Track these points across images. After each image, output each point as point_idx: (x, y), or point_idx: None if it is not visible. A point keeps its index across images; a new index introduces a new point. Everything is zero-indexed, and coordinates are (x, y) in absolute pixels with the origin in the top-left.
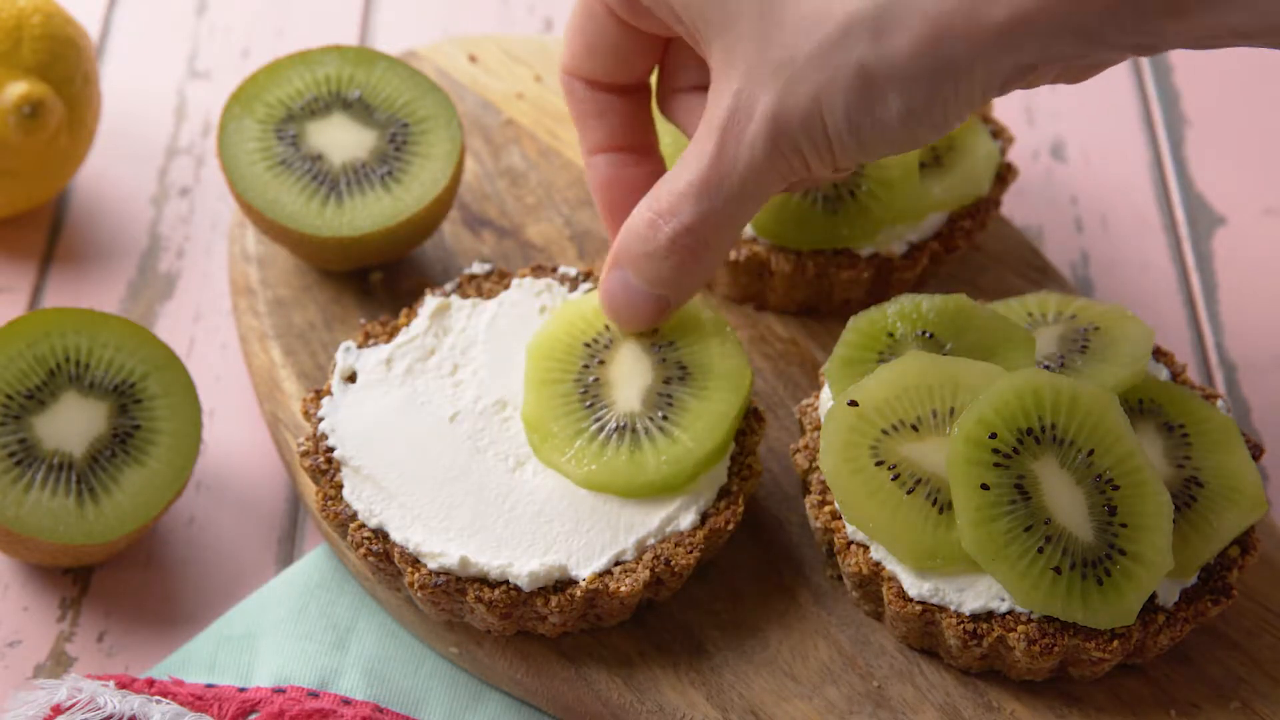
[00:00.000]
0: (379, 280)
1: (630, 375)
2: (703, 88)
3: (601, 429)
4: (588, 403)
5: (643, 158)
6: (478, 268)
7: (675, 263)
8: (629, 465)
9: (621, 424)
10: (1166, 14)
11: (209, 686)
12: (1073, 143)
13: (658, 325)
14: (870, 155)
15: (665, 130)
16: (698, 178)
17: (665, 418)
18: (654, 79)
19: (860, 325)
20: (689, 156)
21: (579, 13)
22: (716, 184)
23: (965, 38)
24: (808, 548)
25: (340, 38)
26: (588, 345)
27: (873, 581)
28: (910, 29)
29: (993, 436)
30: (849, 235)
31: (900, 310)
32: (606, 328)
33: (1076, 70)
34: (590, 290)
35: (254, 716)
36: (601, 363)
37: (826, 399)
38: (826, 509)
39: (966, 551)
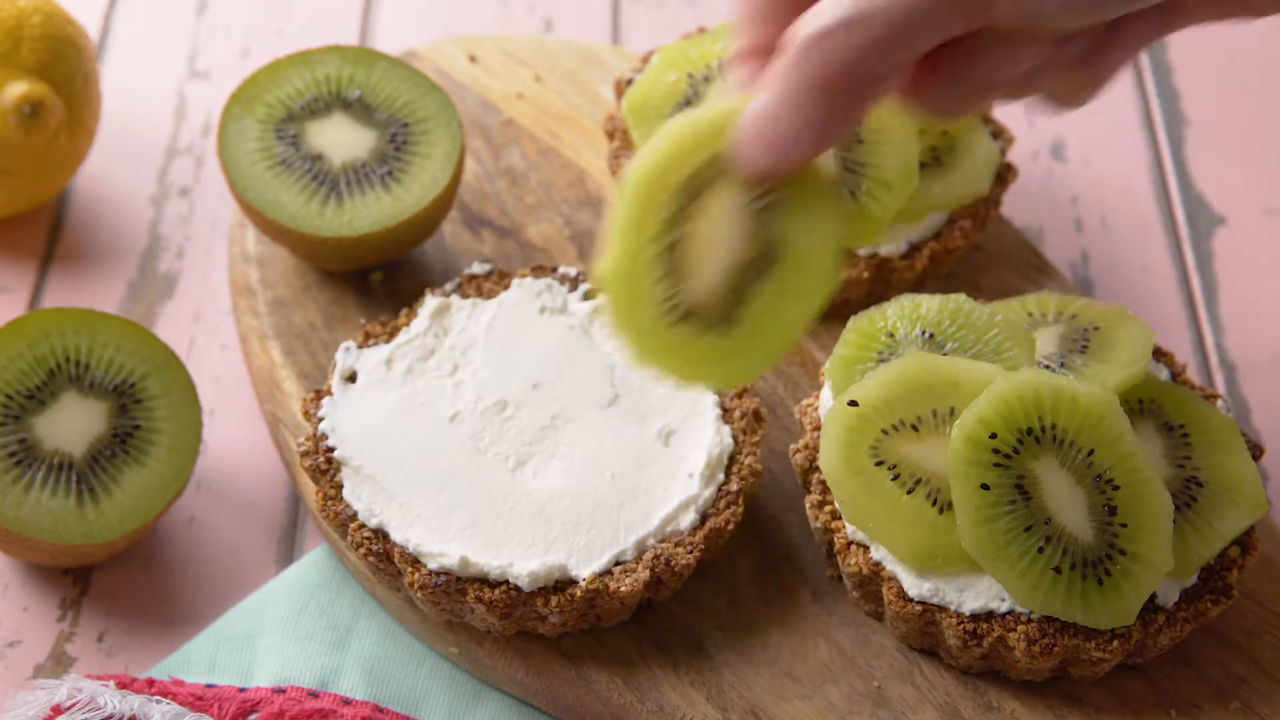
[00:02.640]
0: (379, 280)
1: (718, 243)
2: None
3: (674, 308)
4: (663, 270)
5: None
6: (478, 268)
7: (814, 70)
8: (692, 351)
9: (691, 311)
10: None
11: (209, 686)
12: (1073, 143)
13: (780, 172)
14: None
15: None
16: None
17: (738, 311)
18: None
19: (860, 325)
20: None
21: None
22: None
23: None
24: (808, 548)
25: (340, 38)
26: (686, 182)
27: (873, 581)
28: None
29: (993, 436)
30: (849, 235)
31: (900, 310)
32: (710, 163)
33: None
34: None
35: (254, 716)
36: (692, 217)
37: (826, 399)
38: (826, 509)
39: (966, 551)
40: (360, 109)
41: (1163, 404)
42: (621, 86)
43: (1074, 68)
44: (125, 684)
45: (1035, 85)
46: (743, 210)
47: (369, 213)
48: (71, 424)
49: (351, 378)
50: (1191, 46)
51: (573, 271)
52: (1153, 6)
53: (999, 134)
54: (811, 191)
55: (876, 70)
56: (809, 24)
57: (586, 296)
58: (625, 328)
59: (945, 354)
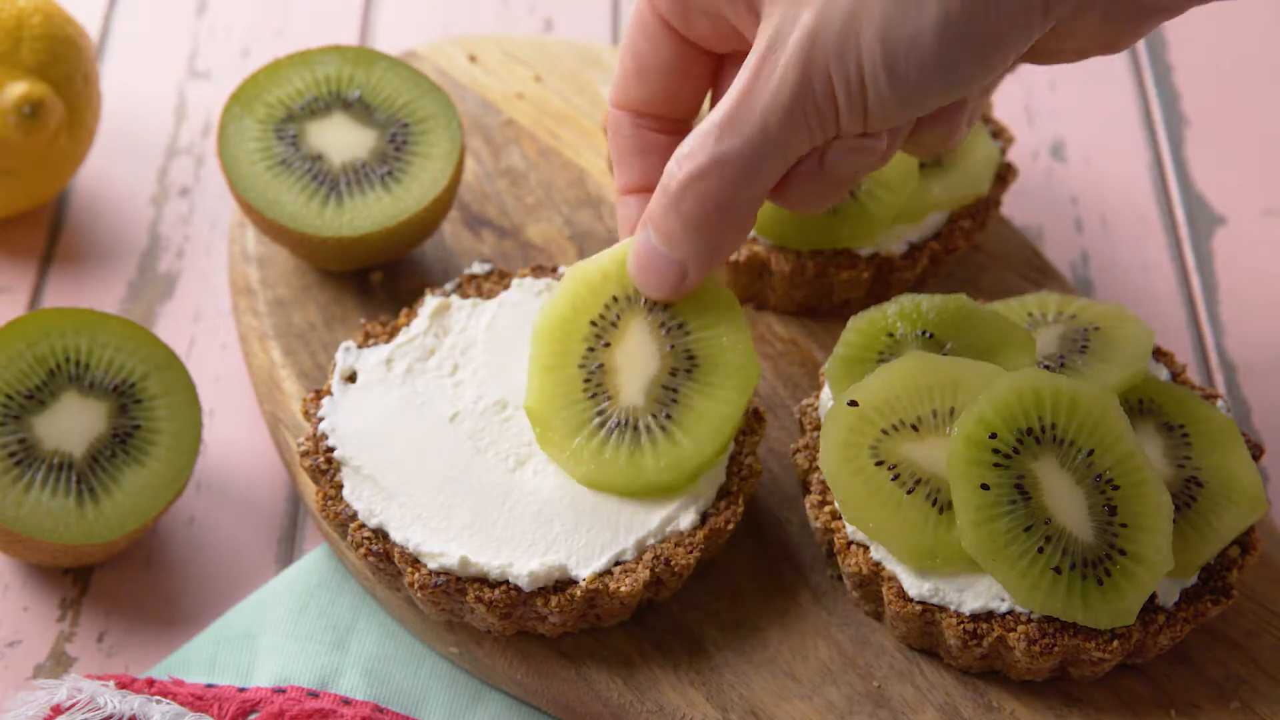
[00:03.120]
0: (379, 280)
1: (636, 363)
2: None
3: (603, 424)
4: (590, 393)
5: None
6: (478, 268)
7: (686, 214)
8: (627, 467)
9: (623, 420)
10: None
11: (209, 686)
12: (1073, 143)
13: (676, 297)
14: (905, 95)
15: None
16: (722, 115)
17: (669, 416)
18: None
19: (860, 325)
20: (721, 98)
21: (630, 33)
22: (739, 120)
23: None
24: (808, 548)
25: (340, 38)
26: (593, 324)
27: (873, 581)
28: None
29: (993, 436)
30: (849, 235)
31: (900, 310)
32: (615, 299)
33: (1118, 25)
34: (598, 254)
35: (254, 716)
36: (607, 345)
37: (826, 399)
38: (826, 509)
39: (966, 551)
40: (360, 109)
41: (1163, 404)
42: None
43: (927, 130)
44: (125, 684)
45: (890, 156)
46: (656, 330)
47: (369, 213)
48: (71, 424)
49: (351, 378)
50: (1191, 47)
51: None
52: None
53: (999, 134)
54: (712, 303)
55: (743, 200)
56: (680, 168)
57: None
58: (559, 455)
59: (945, 354)
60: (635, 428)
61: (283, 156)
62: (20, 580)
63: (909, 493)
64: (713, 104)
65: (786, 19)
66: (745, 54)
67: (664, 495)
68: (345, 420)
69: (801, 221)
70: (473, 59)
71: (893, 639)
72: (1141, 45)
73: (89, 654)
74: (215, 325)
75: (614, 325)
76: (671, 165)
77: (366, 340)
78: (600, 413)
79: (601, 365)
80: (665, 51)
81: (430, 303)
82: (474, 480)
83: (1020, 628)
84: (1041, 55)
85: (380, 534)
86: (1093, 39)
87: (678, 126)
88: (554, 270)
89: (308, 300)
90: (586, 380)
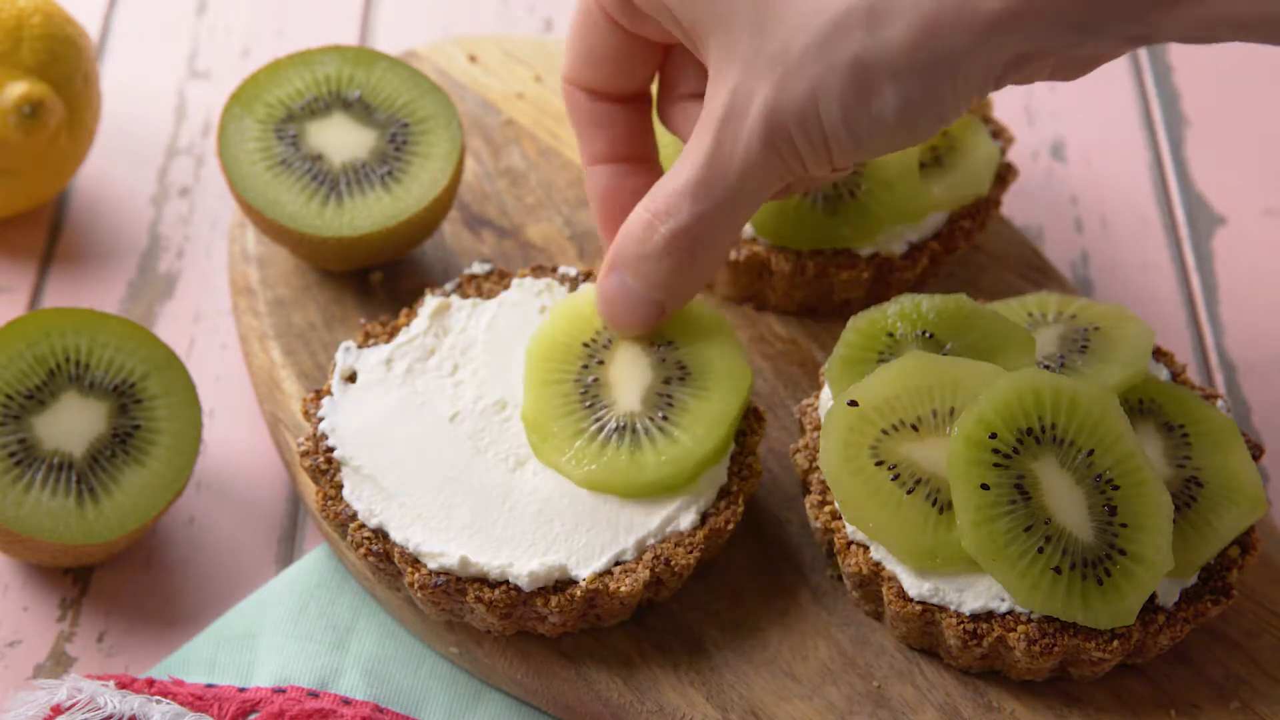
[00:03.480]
0: (379, 280)
1: (630, 375)
2: (702, 95)
3: (601, 429)
4: (587, 403)
5: (642, 168)
6: (478, 268)
7: (671, 264)
8: (629, 465)
9: (621, 424)
10: (1158, 4)
11: (209, 686)
12: (1073, 143)
13: (653, 329)
14: (867, 152)
15: (664, 137)
16: (694, 176)
17: (665, 418)
18: (655, 88)
19: (860, 325)
20: (686, 155)
21: (578, 20)
22: (713, 183)
23: (960, 27)
24: (808, 548)
25: (340, 38)
26: (586, 345)
27: (873, 581)
28: (905, 20)
29: (993, 436)
30: (849, 235)
31: (900, 310)
32: (605, 327)
33: (1073, 64)
34: (589, 286)
35: (254, 716)
36: (601, 363)
37: (826, 399)
38: (826, 509)
39: (966, 551)
40: (360, 109)
41: (1163, 404)
42: None
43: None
44: (125, 684)
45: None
46: (648, 347)
47: (369, 213)
48: (71, 424)
49: (351, 378)
50: (1192, 47)
51: (573, 271)
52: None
53: (999, 134)
54: (695, 323)
55: (725, 243)
56: (661, 224)
57: None
58: (558, 460)
59: (945, 354)
60: (634, 430)
61: (283, 156)
62: (20, 580)
63: (909, 493)
64: (660, 83)
65: (741, 91)
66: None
67: (665, 493)
68: (345, 420)
69: (801, 221)
70: (473, 59)
71: (893, 639)
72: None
73: (89, 654)
74: (215, 325)
75: (605, 347)
76: (646, 218)
77: (366, 340)
78: (598, 419)
79: (596, 379)
80: (613, 41)
81: (430, 303)
82: (474, 480)
83: (1020, 628)
84: None
85: (380, 534)
86: (1047, 78)
87: (631, 97)
88: (554, 270)
89: (308, 300)
90: (583, 393)
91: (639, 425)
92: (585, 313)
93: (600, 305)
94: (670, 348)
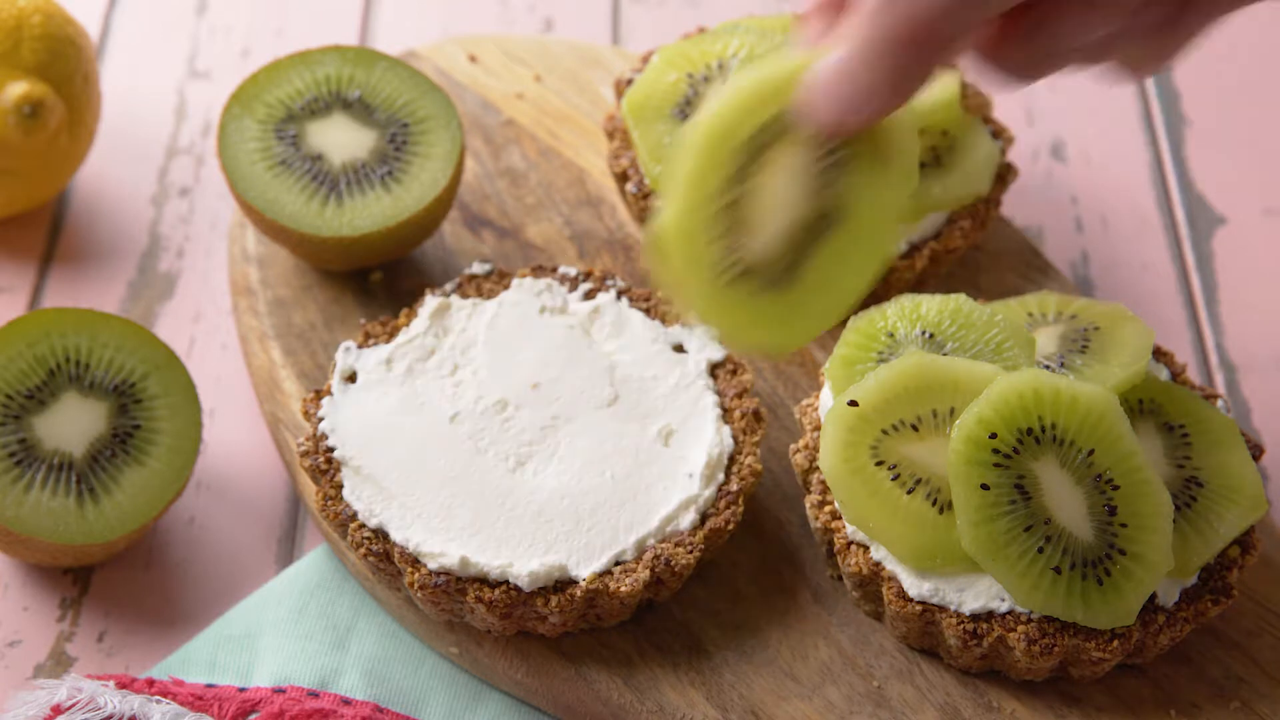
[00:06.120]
0: (379, 280)
1: (777, 204)
2: None
3: (733, 264)
4: (724, 229)
5: None
6: (478, 268)
7: (881, 32)
8: (754, 313)
9: (750, 269)
10: None
11: (209, 686)
12: (1073, 143)
13: (845, 132)
14: None
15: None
16: None
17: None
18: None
19: (860, 325)
20: None
21: None
22: None
23: None
24: (808, 548)
25: (340, 38)
26: (752, 137)
27: (873, 581)
28: None
29: (993, 436)
30: None
31: (900, 310)
32: (775, 118)
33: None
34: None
35: (254, 716)
36: (752, 176)
37: (826, 399)
38: (826, 509)
39: (966, 551)
40: (360, 109)
41: (1163, 404)
42: (621, 86)
43: (1149, 35)
44: (125, 684)
45: (1110, 52)
46: (807, 168)
47: (369, 213)
48: (71, 424)
49: (351, 378)
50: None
51: (573, 271)
52: None
53: (999, 134)
54: (879, 151)
55: (954, 26)
56: None
57: (587, 296)
58: (684, 284)
59: (945, 354)
60: (762, 277)
61: (283, 156)
62: (20, 580)
63: (909, 493)
64: None
65: None
66: None
67: (780, 343)
68: (345, 420)
69: None
70: (473, 59)
71: (893, 639)
72: None
73: (89, 654)
74: (215, 325)
75: (768, 149)
76: None
77: (366, 340)
78: (732, 253)
79: (743, 197)
80: None
81: (430, 303)
82: (474, 480)
83: (1020, 628)
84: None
85: (380, 534)
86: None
87: None
88: (554, 270)
89: (308, 300)
90: (729, 207)
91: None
92: (774, 86)
93: (810, 81)
94: (833, 170)
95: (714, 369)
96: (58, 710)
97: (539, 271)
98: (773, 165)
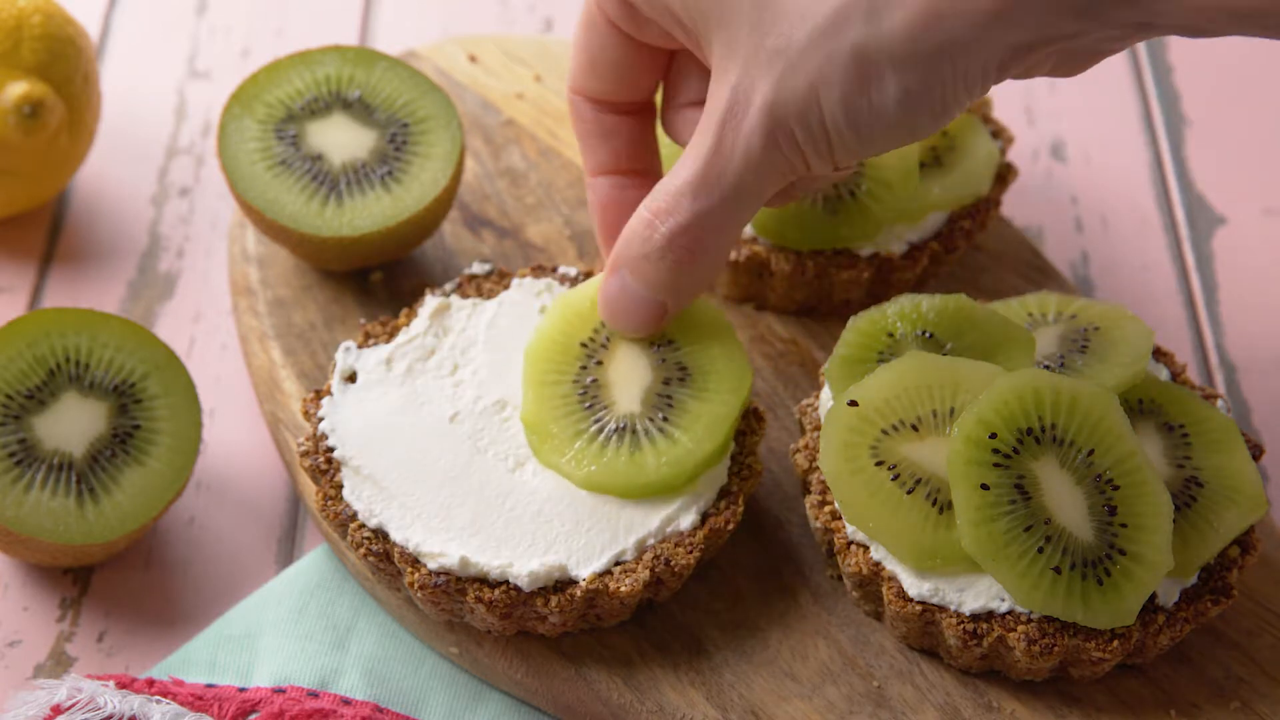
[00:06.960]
0: (379, 280)
1: (629, 376)
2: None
3: (601, 430)
4: (587, 404)
5: (644, 181)
6: (478, 268)
7: (672, 264)
8: (629, 466)
9: (621, 425)
10: None
11: (209, 686)
12: (1073, 143)
13: (656, 331)
14: (867, 147)
15: (667, 147)
16: (694, 175)
17: (665, 419)
18: (659, 99)
19: (860, 325)
20: (687, 154)
21: (581, 28)
22: (713, 180)
23: (961, 15)
24: (808, 548)
25: (340, 38)
26: (584, 345)
27: (873, 581)
28: (905, 8)
29: (993, 436)
30: (849, 235)
31: (900, 310)
32: (603, 325)
33: (1074, 57)
34: (586, 283)
35: (254, 716)
36: (599, 363)
37: (826, 399)
38: (826, 509)
39: (966, 551)
40: (360, 109)
41: (1163, 404)
42: None
43: None
44: (125, 684)
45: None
46: (647, 347)
47: (369, 213)
48: (71, 424)
49: (351, 378)
50: (1192, 47)
51: (573, 271)
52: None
53: (999, 134)
54: (699, 318)
55: (725, 242)
56: (661, 223)
57: None
58: (558, 461)
59: (945, 354)
60: (634, 431)
61: (283, 156)
62: (20, 580)
63: (909, 493)
64: (665, 91)
65: (742, 88)
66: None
67: (664, 494)
68: (345, 420)
69: (801, 221)
70: (473, 59)
71: (893, 639)
72: (1141, 46)
73: (89, 654)
74: (215, 325)
75: (604, 346)
76: (647, 217)
77: (366, 340)
78: (598, 420)
79: (595, 380)
80: (616, 49)
81: (430, 303)
82: (474, 480)
83: (1020, 628)
84: None
85: (380, 534)
86: (1048, 73)
87: (636, 108)
88: (554, 270)
89: (308, 300)
90: (582, 393)
91: (639, 426)
92: (583, 311)
93: (602, 307)
94: (670, 348)
95: None
96: (58, 710)
97: (539, 271)
98: (618, 353)
